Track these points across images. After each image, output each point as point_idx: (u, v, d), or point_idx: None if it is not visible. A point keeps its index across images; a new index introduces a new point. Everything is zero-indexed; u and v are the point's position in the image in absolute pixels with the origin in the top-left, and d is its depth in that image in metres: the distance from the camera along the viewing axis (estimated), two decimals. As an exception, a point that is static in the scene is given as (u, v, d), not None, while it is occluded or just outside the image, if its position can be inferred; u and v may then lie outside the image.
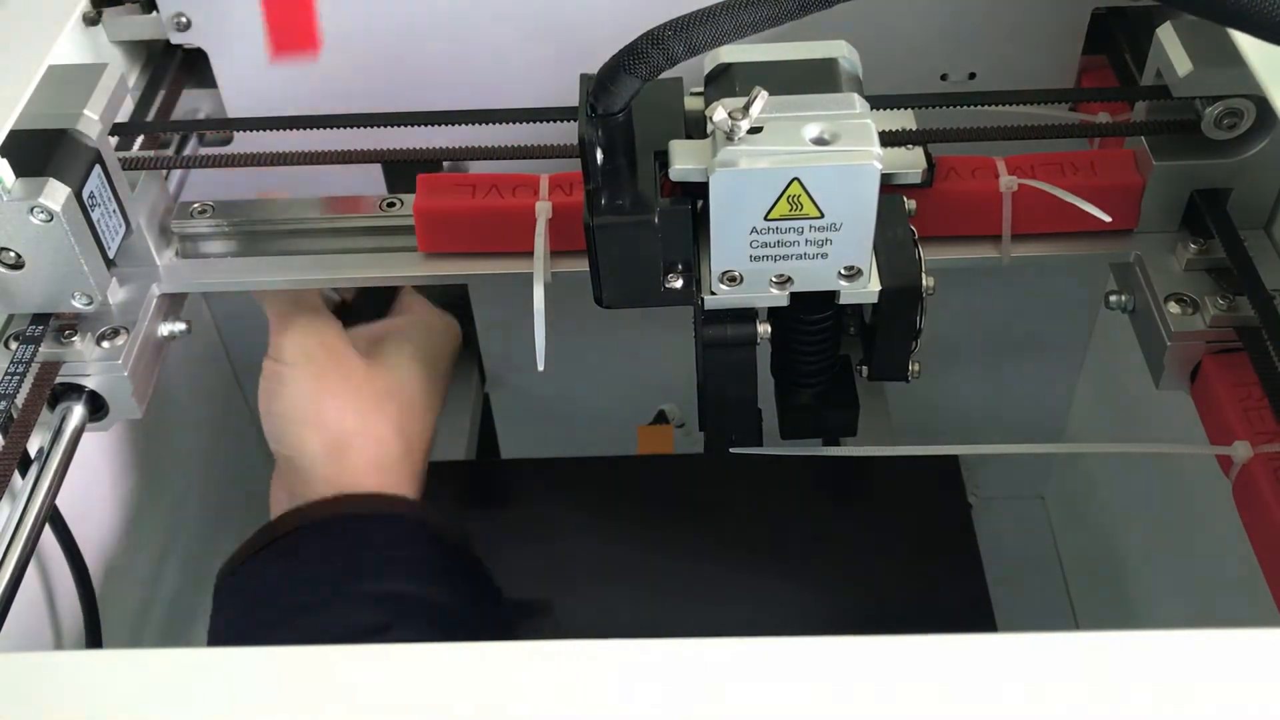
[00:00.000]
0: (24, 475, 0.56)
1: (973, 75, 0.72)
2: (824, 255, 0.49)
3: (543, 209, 0.58)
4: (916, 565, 0.74)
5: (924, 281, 0.51)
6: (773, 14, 0.45)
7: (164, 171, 0.64)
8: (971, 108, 0.58)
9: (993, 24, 0.70)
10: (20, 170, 0.53)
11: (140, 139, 0.64)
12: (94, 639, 0.64)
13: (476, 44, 0.70)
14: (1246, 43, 0.52)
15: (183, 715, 0.32)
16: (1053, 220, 0.59)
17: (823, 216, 0.47)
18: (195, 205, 0.63)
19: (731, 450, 0.58)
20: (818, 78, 0.50)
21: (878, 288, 0.50)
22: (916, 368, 0.56)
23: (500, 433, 0.94)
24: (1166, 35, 0.56)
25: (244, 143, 0.65)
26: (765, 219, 0.47)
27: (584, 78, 0.49)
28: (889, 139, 0.56)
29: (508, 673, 0.32)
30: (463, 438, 0.87)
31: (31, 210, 0.53)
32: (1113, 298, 0.61)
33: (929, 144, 0.57)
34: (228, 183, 0.66)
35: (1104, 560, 0.90)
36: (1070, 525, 0.98)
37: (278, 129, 0.60)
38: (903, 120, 0.57)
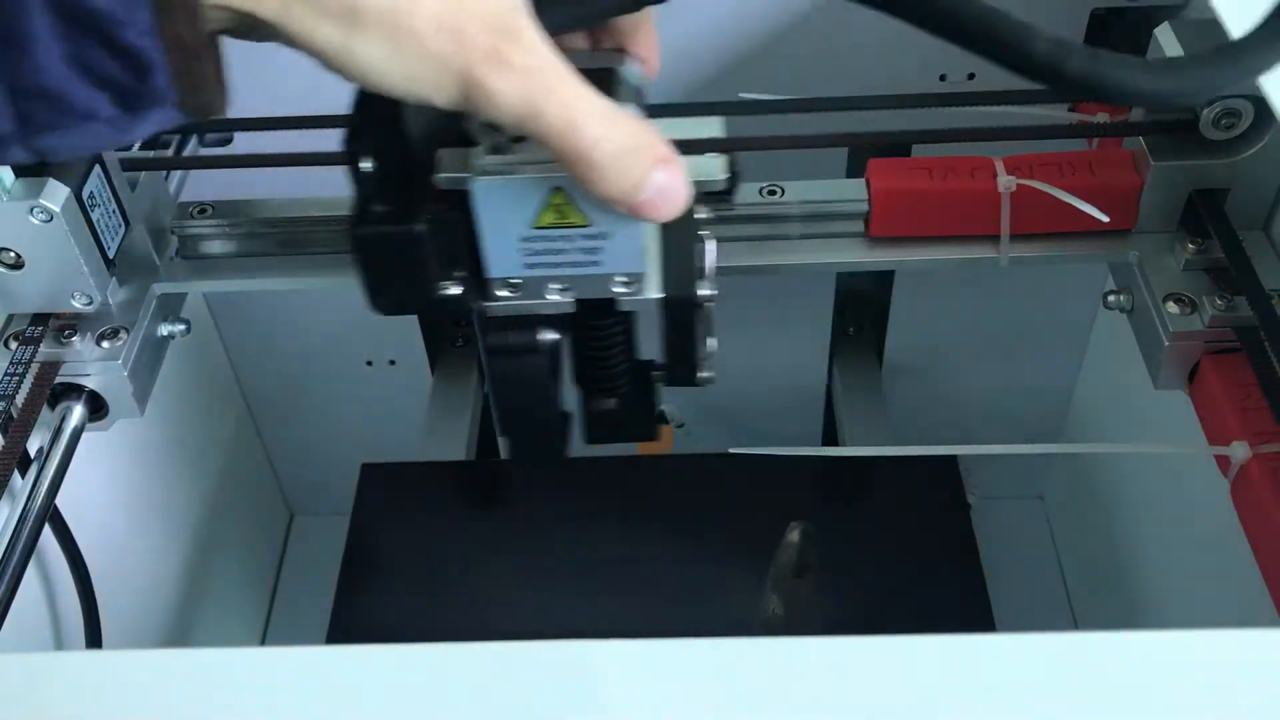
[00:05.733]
0: (24, 475, 0.56)
1: (972, 75, 0.72)
2: (597, 263, 0.49)
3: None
4: (916, 565, 0.74)
5: (703, 290, 0.51)
6: (579, 15, 0.44)
7: (164, 171, 0.64)
8: (971, 108, 0.58)
9: (992, 24, 0.70)
10: (20, 170, 0.53)
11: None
12: (94, 639, 0.64)
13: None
14: (1245, 43, 0.52)
15: (182, 715, 0.32)
16: (1051, 220, 0.59)
17: (590, 225, 0.47)
18: (195, 205, 0.63)
19: (731, 451, 0.58)
20: (596, 87, 0.50)
21: (656, 296, 0.50)
22: (709, 374, 0.56)
23: (500, 433, 0.95)
24: (1165, 35, 0.56)
25: (244, 143, 0.65)
26: (533, 227, 0.47)
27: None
28: (690, 147, 0.55)
29: (508, 673, 0.32)
30: (463, 438, 0.87)
31: (31, 210, 0.53)
32: (1111, 297, 0.61)
33: (926, 143, 0.57)
34: (228, 183, 0.66)
35: (1103, 560, 0.90)
36: (1070, 525, 0.98)
37: (278, 129, 0.60)
38: (708, 129, 0.56)
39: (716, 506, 0.78)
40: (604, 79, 0.49)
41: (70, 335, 0.58)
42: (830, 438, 0.96)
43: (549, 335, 0.53)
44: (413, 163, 0.49)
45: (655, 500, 0.79)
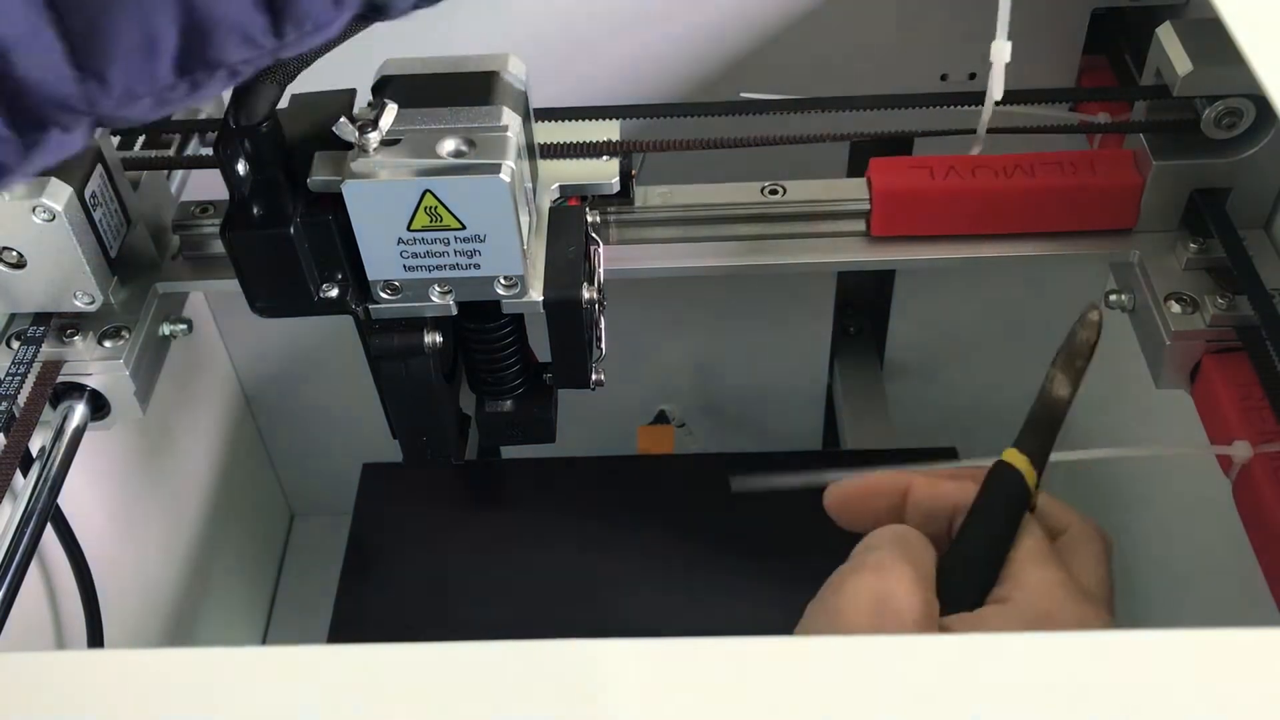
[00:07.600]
0: (25, 474, 0.56)
1: (973, 75, 0.72)
2: (476, 265, 0.49)
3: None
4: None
5: (586, 294, 0.51)
6: None
7: (166, 171, 0.64)
8: (972, 108, 0.58)
9: (993, 24, 0.70)
10: (21, 170, 0.53)
11: (142, 138, 0.64)
12: (95, 638, 0.64)
13: (472, 46, 0.70)
14: (1246, 42, 0.52)
15: (183, 715, 0.32)
16: (1052, 219, 0.59)
17: (465, 228, 0.47)
18: (197, 204, 0.63)
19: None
20: (475, 90, 0.49)
21: (538, 299, 0.50)
22: (599, 377, 0.56)
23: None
24: (1166, 35, 0.56)
25: (245, 143, 0.65)
26: (409, 230, 0.47)
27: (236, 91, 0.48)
28: (586, 150, 0.55)
29: (508, 673, 0.32)
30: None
31: (34, 209, 0.53)
32: (1112, 297, 0.61)
33: (921, 138, 0.57)
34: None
35: (1104, 560, 0.90)
36: (1070, 525, 0.98)
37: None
38: (606, 131, 0.56)
39: (716, 506, 0.78)
40: (486, 82, 0.49)
41: (72, 335, 0.58)
42: (831, 437, 0.96)
43: (434, 338, 0.52)
44: (290, 166, 0.49)
45: (655, 500, 0.79)
